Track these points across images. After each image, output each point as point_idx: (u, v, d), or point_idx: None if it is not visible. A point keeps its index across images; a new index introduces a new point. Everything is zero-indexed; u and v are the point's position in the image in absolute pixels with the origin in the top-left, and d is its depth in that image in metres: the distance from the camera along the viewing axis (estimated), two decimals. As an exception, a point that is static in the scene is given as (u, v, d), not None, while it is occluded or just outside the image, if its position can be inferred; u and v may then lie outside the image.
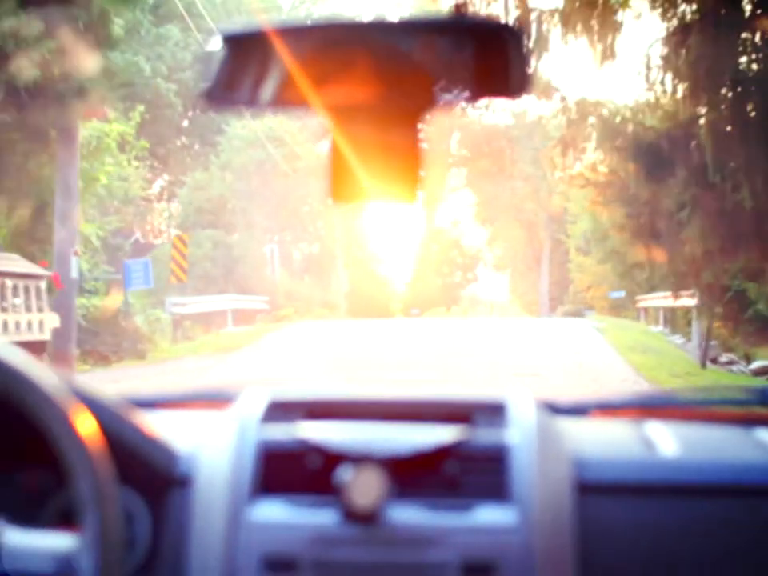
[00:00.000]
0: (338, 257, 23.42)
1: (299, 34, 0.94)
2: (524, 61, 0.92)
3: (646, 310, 17.82)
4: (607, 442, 1.11)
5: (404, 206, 0.94)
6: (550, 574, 0.95)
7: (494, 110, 28.10)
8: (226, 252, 20.88)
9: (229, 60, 0.93)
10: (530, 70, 0.93)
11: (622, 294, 20.17)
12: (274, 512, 0.97)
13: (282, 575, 0.94)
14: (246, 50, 0.94)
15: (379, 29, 0.93)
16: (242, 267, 20.51)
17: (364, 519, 0.94)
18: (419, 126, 0.92)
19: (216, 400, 1.18)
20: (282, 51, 0.93)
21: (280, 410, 1.04)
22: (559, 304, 26.95)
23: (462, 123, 28.68)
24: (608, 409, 1.23)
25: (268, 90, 0.94)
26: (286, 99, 0.96)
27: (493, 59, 0.91)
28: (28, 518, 0.95)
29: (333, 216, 21.66)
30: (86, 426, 0.87)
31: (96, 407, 0.94)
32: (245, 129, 21.76)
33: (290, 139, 21.53)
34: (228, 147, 22.30)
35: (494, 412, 1.04)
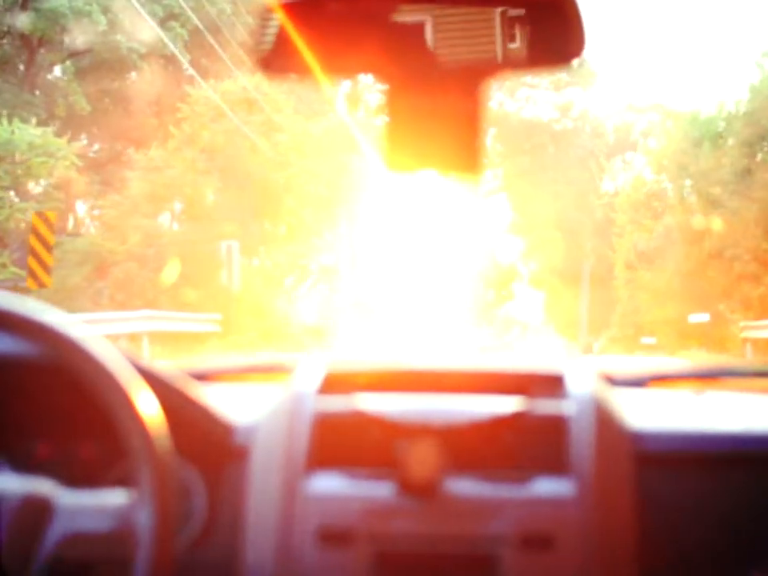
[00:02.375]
0: (340, 266, 20.32)
1: (351, 2, 1.08)
2: (579, 25, 1.06)
3: (754, 341, 15.29)
4: (664, 413, 1.24)
5: (465, 179, 1.07)
6: (609, 546, 1.08)
7: (536, 102, 27.95)
8: (161, 250, 17.51)
9: (284, 27, 1.08)
10: (583, 38, 1.07)
11: (706, 317, 18.47)
12: (330, 484, 1.10)
13: (338, 547, 1.08)
14: (301, 16, 1.08)
15: None
16: (186, 270, 16.95)
17: (421, 492, 1.07)
18: (480, 94, 1.05)
19: (273, 371, 1.32)
20: (338, 19, 1.07)
21: (337, 382, 1.18)
22: (604, 327, 26.52)
23: (497, 116, 28.49)
24: (665, 379, 1.36)
25: (324, 57, 1.08)
26: (343, 67, 1.10)
27: (548, 23, 1.05)
28: (87, 483, 1.08)
29: (338, 211, 19.11)
30: (144, 399, 0.99)
31: (154, 380, 1.07)
32: (215, 91, 18.68)
33: (272, 105, 18.83)
34: (192, 116, 18.95)
35: (551, 383, 1.17)
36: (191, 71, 19.26)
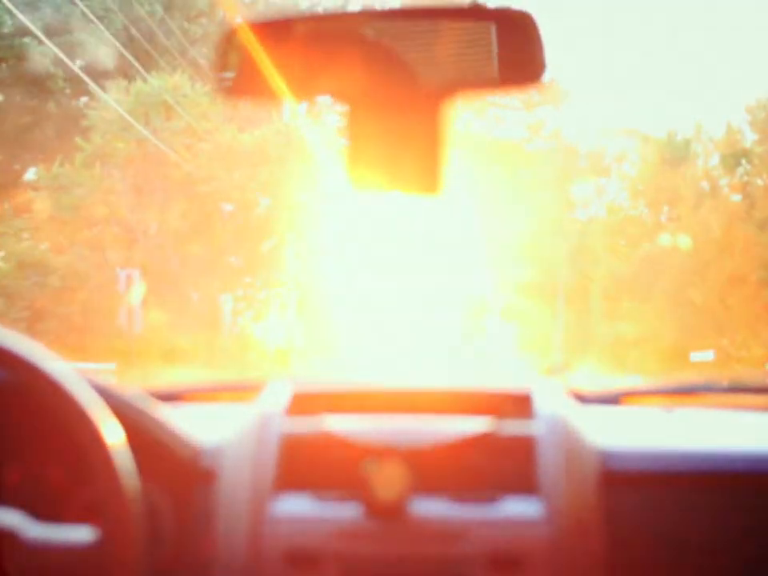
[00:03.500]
0: (285, 300, 17.87)
1: (317, 23, 1.16)
2: (539, 47, 1.14)
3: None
4: (634, 430, 1.32)
5: (426, 198, 1.15)
6: (577, 566, 1.14)
7: (505, 121, 28.11)
8: (42, 281, 15.63)
9: (245, 50, 1.15)
10: (544, 57, 1.15)
11: (710, 355, 17.69)
12: (297, 506, 1.17)
13: (305, 569, 1.14)
14: (264, 39, 1.16)
15: (399, 16, 1.14)
16: (76, 305, 15.39)
17: (387, 514, 1.14)
18: (441, 114, 1.13)
19: (241, 391, 1.39)
20: (300, 40, 1.15)
21: (304, 403, 1.25)
22: (581, 360, 26.10)
23: (464, 136, 28.53)
24: (637, 396, 1.44)
25: (286, 79, 1.15)
26: (304, 88, 1.17)
27: (510, 45, 1.13)
28: (51, 514, 1.14)
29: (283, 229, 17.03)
30: (107, 424, 1.05)
31: (118, 403, 1.14)
32: (126, 93, 16.87)
33: (195, 110, 16.90)
34: (101, 125, 17.03)
35: (519, 403, 1.25)
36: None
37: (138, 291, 14.92)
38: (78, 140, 17.04)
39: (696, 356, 18.15)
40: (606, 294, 24.18)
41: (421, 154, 1.11)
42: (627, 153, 24.90)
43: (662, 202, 21.95)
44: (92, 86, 16.05)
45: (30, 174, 19.46)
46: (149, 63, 17.59)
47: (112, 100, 16.37)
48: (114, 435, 1.05)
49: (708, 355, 17.88)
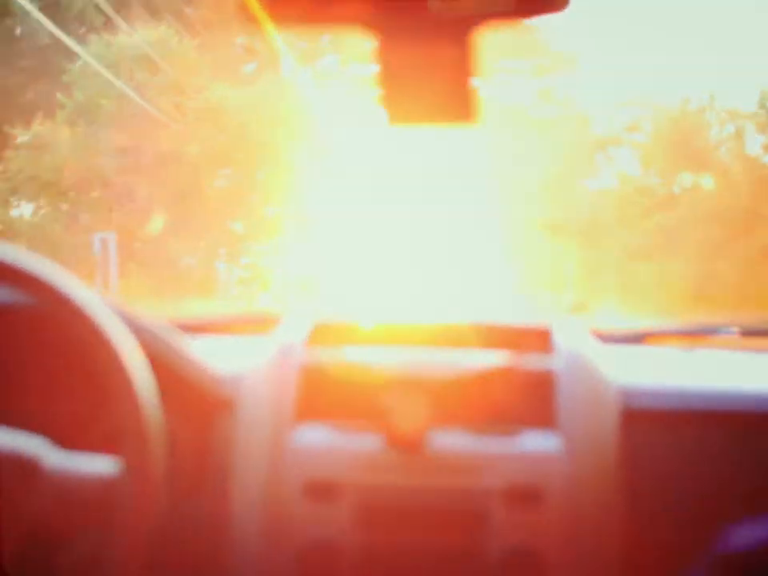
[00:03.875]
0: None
1: None
2: None
3: None
4: (655, 369, 1.35)
5: (464, 127, 1.16)
6: (594, 501, 1.18)
7: (514, 86, 28.01)
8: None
9: None
10: None
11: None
12: (317, 437, 1.20)
13: (324, 499, 1.17)
14: None
15: None
16: None
17: (407, 445, 1.17)
18: (470, 42, 1.14)
19: (261, 323, 1.42)
20: None
21: (324, 334, 1.28)
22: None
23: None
24: (658, 336, 1.47)
25: (306, 5, 1.17)
26: (327, 15, 1.19)
27: None
28: (73, 442, 1.17)
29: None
30: (130, 350, 1.08)
31: (141, 331, 1.17)
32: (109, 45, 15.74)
33: (181, 64, 15.77)
34: (81, 80, 16.08)
35: (540, 338, 1.28)
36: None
37: (113, 256, 14.48)
38: (60, 96, 16.08)
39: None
40: (617, 269, 24.02)
41: (454, 83, 1.12)
42: (639, 122, 24.78)
43: (676, 170, 21.85)
44: (62, 37, 14.99)
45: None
46: (131, 15, 16.41)
47: (93, 53, 15.50)
48: (136, 363, 1.08)
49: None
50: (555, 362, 1.24)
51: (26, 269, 1.07)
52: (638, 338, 1.48)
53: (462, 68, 1.14)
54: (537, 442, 1.19)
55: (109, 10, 15.93)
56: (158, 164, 15.82)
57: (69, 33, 15.52)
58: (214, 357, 1.28)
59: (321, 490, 1.18)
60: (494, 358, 1.24)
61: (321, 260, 15.69)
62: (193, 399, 1.24)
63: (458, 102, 1.12)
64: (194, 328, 1.45)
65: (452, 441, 1.19)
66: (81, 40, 15.99)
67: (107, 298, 1.14)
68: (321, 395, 1.23)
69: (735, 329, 1.56)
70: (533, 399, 1.22)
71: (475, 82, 1.14)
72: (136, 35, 15.86)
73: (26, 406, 1.25)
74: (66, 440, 1.15)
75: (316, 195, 16.04)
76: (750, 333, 1.54)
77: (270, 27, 1.28)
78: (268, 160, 16.19)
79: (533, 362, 1.24)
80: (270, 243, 17.14)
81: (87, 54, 15.61)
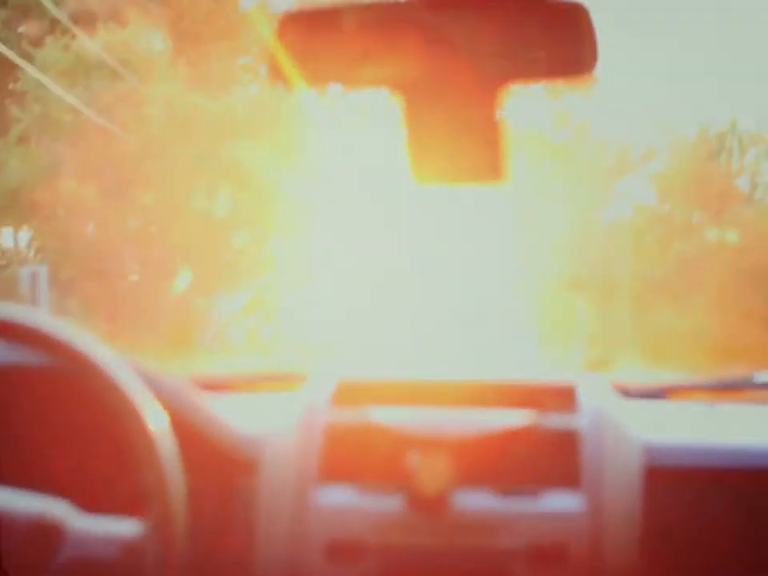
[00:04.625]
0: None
1: (368, 11, 1.23)
2: (592, 38, 1.21)
3: None
4: (679, 426, 1.40)
5: (494, 186, 1.21)
6: (618, 561, 1.22)
7: (529, 111, 28.01)
8: None
9: (297, 39, 1.23)
10: (597, 48, 1.22)
11: None
12: (340, 497, 1.25)
13: (347, 560, 1.22)
14: (315, 27, 1.23)
15: (451, 3, 1.22)
16: None
17: (430, 506, 1.22)
18: (497, 102, 1.20)
19: (284, 381, 1.47)
20: (351, 28, 1.23)
21: (349, 393, 1.33)
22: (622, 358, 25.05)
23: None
24: (682, 390, 1.52)
25: (336, 69, 1.23)
26: (356, 79, 1.25)
27: (561, 35, 1.21)
28: (96, 505, 1.22)
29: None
30: (153, 412, 1.13)
31: (163, 391, 1.22)
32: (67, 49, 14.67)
33: (145, 70, 14.59)
34: (37, 91, 14.57)
35: (564, 396, 1.32)
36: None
37: (43, 293, 13.00)
38: (14, 110, 14.97)
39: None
40: (635, 297, 23.87)
41: (483, 142, 1.16)
42: (656, 148, 24.76)
43: (695, 199, 21.83)
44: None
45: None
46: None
47: (46, 59, 14.34)
48: (159, 424, 1.13)
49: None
50: (579, 421, 1.29)
51: (49, 331, 1.13)
52: (660, 393, 1.53)
53: (490, 128, 1.19)
54: (560, 502, 1.24)
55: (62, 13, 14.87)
56: (111, 183, 14.63)
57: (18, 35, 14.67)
58: (237, 416, 1.33)
59: (344, 551, 1.23)
60: (518, 417, 1.28)
61: (333, 308, 15.27)
62: (216, 460, 1.29)
63: (487, 162, 1.16)
64: (217, 386, 1.51)
65: (475, 501, 1.23)
66: (35, 43, 14.91)
67: (129, 358, 1.19)
68: (345, 455, 1.27)
69: (757, 383, 1.60)
70: (557, 459, 1.26)
71: (503, 141, 1.19)
72: (97, 38, 14.68)
73: (50, 470, 1.30)
74: (89, 503, 1.19)
75: (311, 229, 15.19)
76: None
77: (299, 85, 1.34)
78: (251, 182, 14.92)
79: (557, 421, 1.29)
80: (268, 276, 16.37)
81: (41, 59, 14.59)
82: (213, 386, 1.50)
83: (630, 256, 21.83)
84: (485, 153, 1.16)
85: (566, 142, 26.70)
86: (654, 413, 1.44)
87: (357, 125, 15.84)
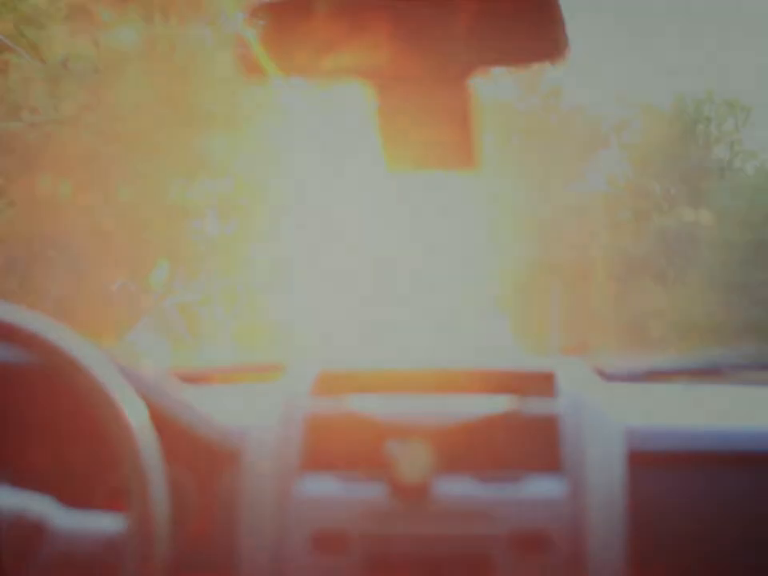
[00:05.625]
0: None
1: (338, 2, 1.29)
2: (561, 23, 1.28)
3: None
4: (659, 409, 1.47)
5: (465, 174, 1.28)
6: (600, 546, 1.28)
7: (494, 76, 27.63)
8: None
9: (267, 29, 1.29)
10: (567, 34, 1.29)
11: None
12: (322, 486, 1.32)
13: (331, 550, 1.29)
14: (285, 18, 1.29)
15: None
16: None
17: (412, 494, 1.29)
18: (469, 89, 1.26)
19: (264, 372, 1.54)
20: (320, 17, 1.29)
21: (329, 383, 1.40)
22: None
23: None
24: (662, 374, 1.60)
25: (307, 59, 1.29)
26: (327, 68, 1.31)
27: (529, 21, 1.27)
28: (77, 500, 1.28)
29: None
30: (132, 406, 1.19)
31: (143, 385, 1.29)
32: None
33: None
34: None
35: (543, 381, 1.39)
36: None
37: None
38: None
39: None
40: (612, 277, 23.88)
41: (454, 130, 1.21)
42: (628, 121, 24.86)
43: (671, 172, 21.97)
44: None
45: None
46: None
47: None
48: (138, 418, 1.19)
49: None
50: (559, 406, 1.35)
51: (26, 327, 1.19)
52: (642, 376, 1.60)
53: (461, 115, 1.24)
54: (542, 487, 1.30)
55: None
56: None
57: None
58: (218, 408, 1.40)
59: (328, 540, 1.30)
60: (498, 404, 1.35)
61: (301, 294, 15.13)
62: (197, 452, 1.35)
63: (458, 149, 1.21)
64: (197, 378, 1.58)
65: (457, 488, 1.30)
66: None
67: (109, 353, 1.26)
68: (326, 445, 1.34)
69: (739, 364, 1.67)
70: (537, 444, 1.33)
71: (475, 128, 1.26)
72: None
73: (31, 465, 1.36)
74: (71, 498, 1.26)
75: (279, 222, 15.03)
76: (755, 368, 1.66)
77: (269, 76, 1.40)
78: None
79: (536, 406, 1.36)
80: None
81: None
82: (193, 378, 1.56)
83: (606, 233, 21.95)
84: (457, 140, 1.21)
85: (534, 110, 26.70)
86: (634, 396, 1.51)
87: (326, 113, 15.71)
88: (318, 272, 15.31)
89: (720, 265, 18.77)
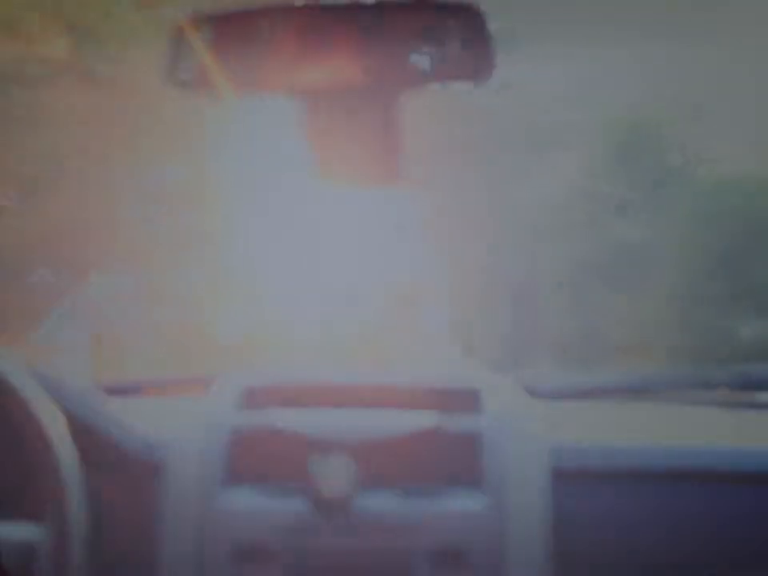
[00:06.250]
0: None
1: (270, 16, 1.33)
2: (488, 43, 1.32)
3: None
4: (585, 426, 1.52)
5: (389, 188, 1.31)
6: (520, 560, 1.33)
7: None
8: None
9: (199, 43, 1.33)
10: (494, 53, 1.33)
11: None
12: (245, 500, 1.37)
13: (253, 563, 1.34)
14: (217, 32, 1.33)
15: (351, 10, 1.32)
16: None
17: (334, 508, 1.34)
18: (395, 106, 1.29)
19: (191, 385, 1.59)
20: (253, 34, 1.33)
21: (254, 397, 1.44)
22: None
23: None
24: (592, 392, 1.66)
25: (239, 73, 1.33)
26: (259, 83, 1.35)
27: (458, 40, 1.32)
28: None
29: None
30: (50, 417, 1.23)
31: (64, 396, 1.33)
32: None
33: None
34: None
35: (467, 398, 1.44)
36: None
37: None
38: None
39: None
40: (564, 285, 23.69)
41: (381, 147, 1.26)
42: (579, 125, 24.70)
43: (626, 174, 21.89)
44: None
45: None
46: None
47: None
48: (57, 431, 1.23)
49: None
50: (482, 422, 1.40)
51: None
52: (571, 394, 1.65)
53: (389, 132, 1.27)
54: (462, 502, 1.35)
55: None
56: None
57: None
58: (143, 420, 1.44)
59: (250, 553, 1.34)
60: (421, 419, 1.40)
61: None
62: (119, 464, 1.39)
63: (384, 165, 1.26)
64: (124, 391, 1.62)
65: (379, 502, 1.35)
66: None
67: (30, 362, 1.30)
68: (250, 459, 1.39)
69: (671, 383, 1.73)
70: (459, 460, 1.38)
71: (401, 146, 1.30)
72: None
73: None
74: None
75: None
76: (686, 387, 1.71)
77: (199, 89, 1.43)
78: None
79: (459, 422, 1.40)
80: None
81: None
82: (120, 390, 1.61)
83: (556, 238, 21.84)
84: (382, 157, 1.25)
85: (484, 100, 26.29)
86: (561, 414, 1.56)
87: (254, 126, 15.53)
88: (247, 280, 15.27)
89: (675, 275, 18.73)
